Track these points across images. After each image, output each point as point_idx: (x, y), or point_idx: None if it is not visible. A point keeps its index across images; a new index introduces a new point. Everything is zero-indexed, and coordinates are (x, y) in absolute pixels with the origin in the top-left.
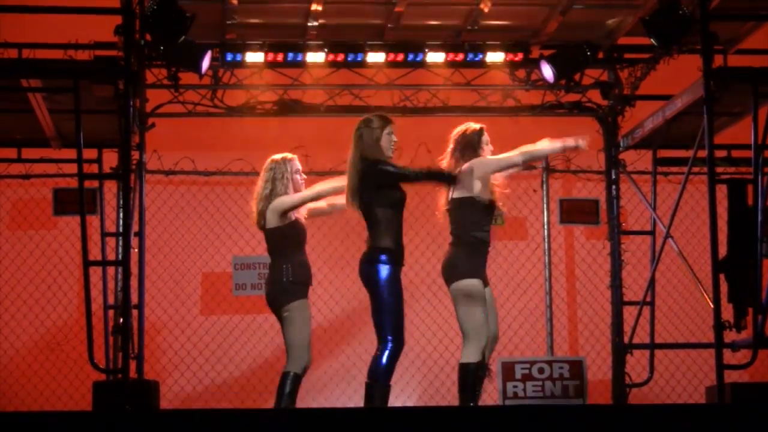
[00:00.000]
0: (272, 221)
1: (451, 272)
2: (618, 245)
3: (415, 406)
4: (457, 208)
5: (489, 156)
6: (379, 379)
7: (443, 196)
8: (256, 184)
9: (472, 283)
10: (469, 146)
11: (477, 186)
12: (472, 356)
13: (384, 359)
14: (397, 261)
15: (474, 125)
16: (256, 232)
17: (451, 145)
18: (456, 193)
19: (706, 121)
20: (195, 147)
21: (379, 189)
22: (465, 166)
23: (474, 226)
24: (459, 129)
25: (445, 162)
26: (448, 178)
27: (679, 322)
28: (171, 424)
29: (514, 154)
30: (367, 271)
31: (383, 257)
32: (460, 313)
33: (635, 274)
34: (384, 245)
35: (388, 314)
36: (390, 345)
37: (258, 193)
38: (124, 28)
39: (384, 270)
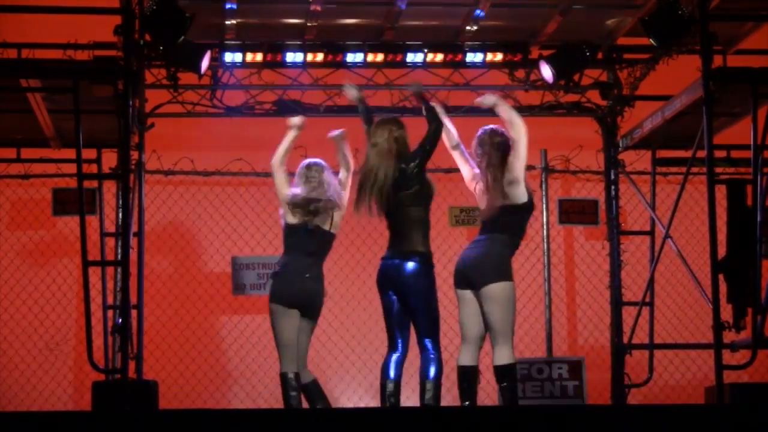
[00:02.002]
0: (338, 226)
1: (495, 272)
2: (617, 245)
3: (415, 407)
4: (511, 213)
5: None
6: (438, 378)
7: (490, 199)
8: (291, 188)
9: (512, 286)
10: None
11: (526, 190)
12: (511, 357)
13: (439, 362)
14: (432, 264)
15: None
16: (256, 232)
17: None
18: (509, 201)
19: (706, 122)
20: (194, 147)
21: (419, 188)
22: (515, 174)
23: (521, 233)
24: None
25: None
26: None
27: (678, 323)
28: (170, 424)
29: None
30: (411, 271)
31: (429, 263)
32: (498, 313)
33: (634, 275)
34: (424, 249)
35: (435, 321)
36: (438, 349)
37: (314, 198)
38: (123, 29)
39: (429, 276)
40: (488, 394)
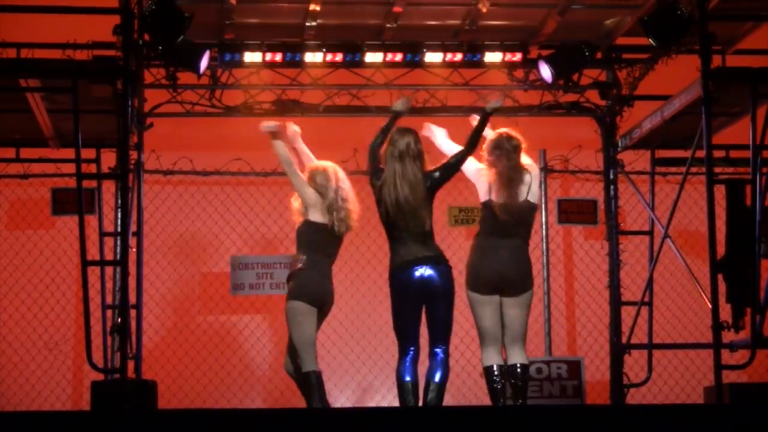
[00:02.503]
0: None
1: (531, 278)
2: (616, 245)
3: (414, 407)
4: (531, 210)
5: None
6: (445, 382)
7: (509, 198)
8: (344, 193)
9: None
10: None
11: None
12: (526, 357)
13: (447, 367)
14: None
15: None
16: (254, 231)
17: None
18: (530, 197)
19: (705, 122)
20: (193, 147)
21: (432, 201)
22: (535, 173)
23: None
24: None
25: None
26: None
27: (677, 323)
28: (169, 424)
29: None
30: (446, 279)
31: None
32: (524, 317)
33: (633, 274)
34: (444, 256)
35: (451, 327)
36: (448, 354)
37: (348, 200)
38: (122, 28)
39: (453, 283)
40: (475, 393)
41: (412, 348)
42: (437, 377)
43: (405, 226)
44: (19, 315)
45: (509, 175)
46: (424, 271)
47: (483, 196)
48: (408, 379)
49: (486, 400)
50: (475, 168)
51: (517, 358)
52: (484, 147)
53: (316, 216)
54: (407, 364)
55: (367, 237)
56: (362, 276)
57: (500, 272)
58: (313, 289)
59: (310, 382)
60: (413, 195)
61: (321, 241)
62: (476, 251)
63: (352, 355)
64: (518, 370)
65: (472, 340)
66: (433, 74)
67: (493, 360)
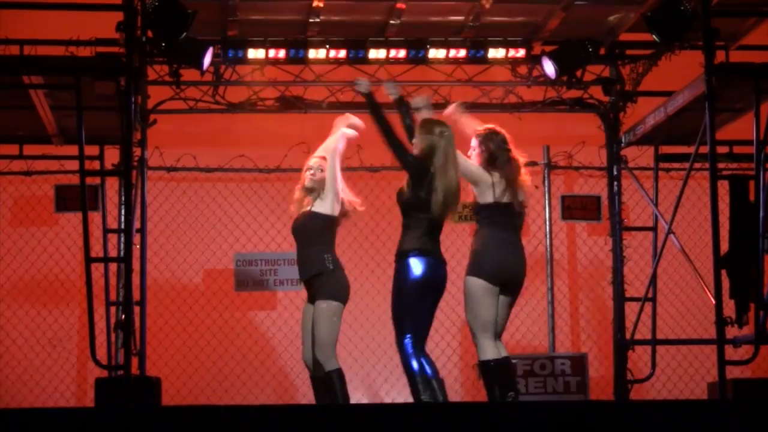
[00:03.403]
0: None
1: None
2: (620, 241)
3: (413, 404)
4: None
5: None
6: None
7: (510, 197)
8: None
9: None
10: None
11: None
12: None
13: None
14: None
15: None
16: (258, 228)
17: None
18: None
19: (708, 117)
20: (196, 143)
21: None
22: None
23: None
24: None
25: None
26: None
27: (680, 318)
28: (173, 420)
29: None
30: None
31: None
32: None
33: (637, 270)
34: None
35: None
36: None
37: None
38: (125, 25)
39: None
40: (477, 390)
41: (411, 336)
42: (436, 373)
43: (444, 218)
44: (23, 312)
45: (516, 176)
46: (443, 265)
47: (488, 197)
48: (435, 375)
49: (476, 394)
50: (476, 170)
51: (503, 351)
52: (480, 142)
53: (326, 207)
54: (428, 360)
55: (377, 227)
56: (366, 272)
57: (516, 270)
58: (347, 290)
59: (334, 380)
60: (458, 188)
61: (333, 236)
62: (493, 241)
63: (356, 352)
64: (508, 363)
65: (458, 332)
66: (437, 71)
67: (493, 353)
